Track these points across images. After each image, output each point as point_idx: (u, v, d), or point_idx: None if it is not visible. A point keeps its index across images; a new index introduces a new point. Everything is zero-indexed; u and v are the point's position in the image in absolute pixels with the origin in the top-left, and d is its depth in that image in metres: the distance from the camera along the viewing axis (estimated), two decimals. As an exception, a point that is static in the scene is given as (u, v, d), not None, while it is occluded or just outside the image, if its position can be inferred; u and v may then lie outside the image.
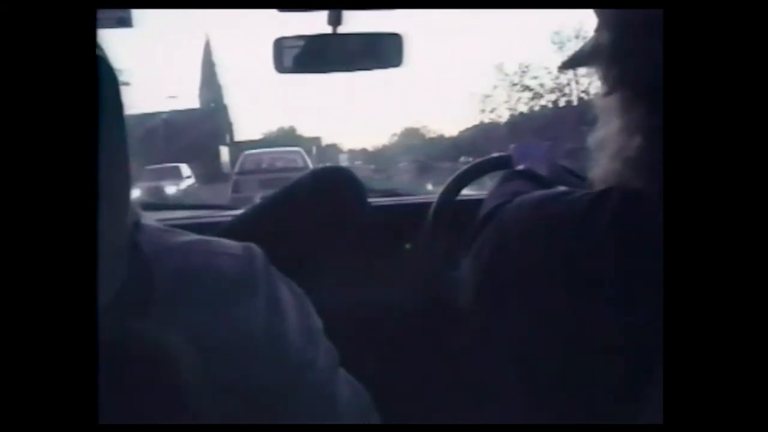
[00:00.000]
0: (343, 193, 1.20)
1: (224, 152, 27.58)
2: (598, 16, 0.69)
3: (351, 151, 36.39)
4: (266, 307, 0.48)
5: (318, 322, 0.54)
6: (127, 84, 0.43)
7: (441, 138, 31.44)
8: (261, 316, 0.48)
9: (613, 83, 0.67)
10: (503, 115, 23.66)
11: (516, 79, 23.10)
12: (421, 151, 25.41)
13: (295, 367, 0.49)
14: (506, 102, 23.80)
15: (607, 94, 0.68)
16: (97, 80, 0.36)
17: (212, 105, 34.58)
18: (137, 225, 0.48)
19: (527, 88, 22.96)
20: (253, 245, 0.52)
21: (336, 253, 1.29)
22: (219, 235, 0.53)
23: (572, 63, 0.75)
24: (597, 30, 0.69)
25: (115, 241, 0.41)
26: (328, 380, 0.52)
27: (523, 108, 23.21)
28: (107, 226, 0.37)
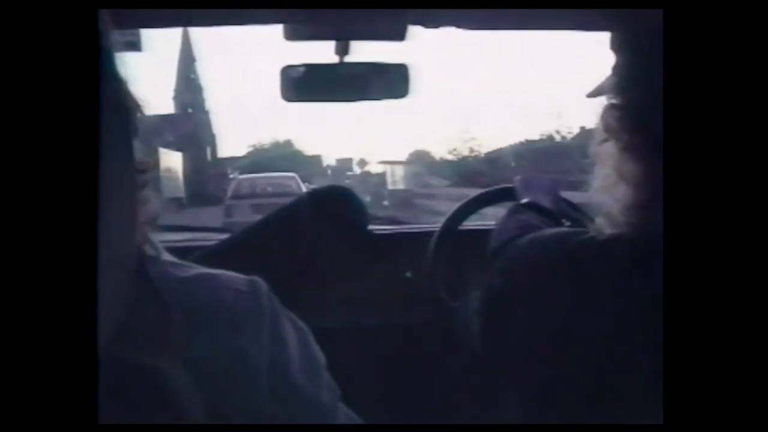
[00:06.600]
0: (344, 214, 1.20)
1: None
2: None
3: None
4: (270, 343, 0.49)
5: (321, 358, 0.54)
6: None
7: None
8: (265, 353, 0.48)
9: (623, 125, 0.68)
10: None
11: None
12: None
13: (296, 404, 0.50)
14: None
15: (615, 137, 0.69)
16: (98, 82, 0.35)
17: (190, 110, 31.51)
18: (153, 259, 0.48)
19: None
20: (258, 279, 0.52)
21: (335, 275, 1.29)
22: (215, 255, 0.53)
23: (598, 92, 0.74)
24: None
25: (122, 254, 0.40)
26: (329, 417, 0.52)
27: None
28: (112, 237, 0.37)
